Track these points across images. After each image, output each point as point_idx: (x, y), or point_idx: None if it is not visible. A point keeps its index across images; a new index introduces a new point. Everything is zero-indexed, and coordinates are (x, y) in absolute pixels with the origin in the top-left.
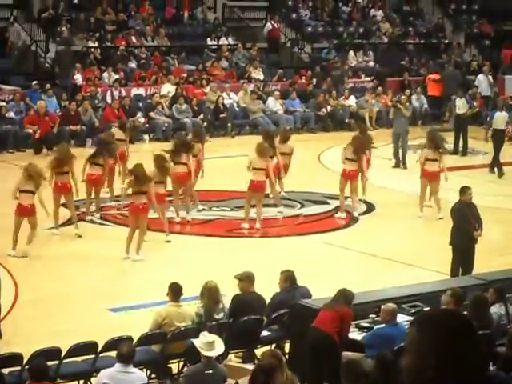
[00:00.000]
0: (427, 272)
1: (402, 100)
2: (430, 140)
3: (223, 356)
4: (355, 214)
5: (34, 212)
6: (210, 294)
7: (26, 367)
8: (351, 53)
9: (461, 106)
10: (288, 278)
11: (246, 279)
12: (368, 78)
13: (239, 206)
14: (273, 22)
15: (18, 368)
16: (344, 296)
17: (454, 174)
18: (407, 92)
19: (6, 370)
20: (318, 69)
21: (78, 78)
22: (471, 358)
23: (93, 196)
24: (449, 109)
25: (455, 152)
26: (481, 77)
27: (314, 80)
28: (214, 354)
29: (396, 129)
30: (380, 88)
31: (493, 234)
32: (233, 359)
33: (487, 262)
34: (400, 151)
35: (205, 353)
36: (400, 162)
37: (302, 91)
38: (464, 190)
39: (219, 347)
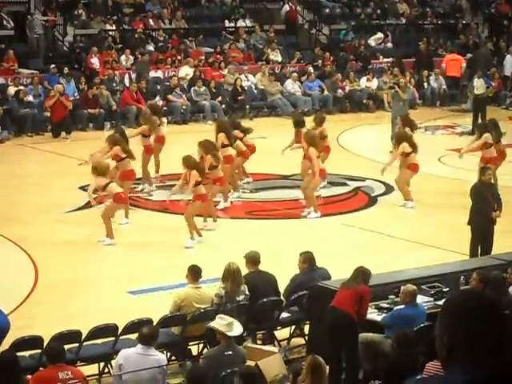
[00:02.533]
0: (446, 253)
1: (401, 82)
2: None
3: (243, 338)
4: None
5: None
6: (233, 277)
7: (44, 350)
8: (379, 34)
9: (479, 86)
10: (307, 259)
11: (248, 262)
12: (386, 60)
13: (259, 188)
14: (290, 4)
15: (39, 351)
16: (362, 274)
17: (472, 154)
18: (425, 73)
19: (26, 353)
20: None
21: (95, 61)
22: (487, 339)
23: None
24: (468, 89)
25: (473, 133)
26: (509, 57)
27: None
28: (233, 333)
29: (395, 112)
30: (397, 69)
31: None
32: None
33: (506, 242)
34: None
35: (227, 333)
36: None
37: (320, 73)
38: (484, 171)
39: (237, 328)
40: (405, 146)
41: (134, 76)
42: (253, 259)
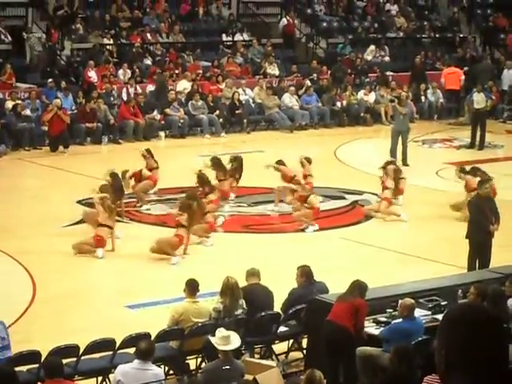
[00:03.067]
0: (444, 266)
1: (402, 96)
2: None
3: (241, 352)
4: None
5: None
6: (232, 291)
7: (43, 364)
8: (372, 47)
9: (479, 100)
10: (304, 273)
11: (247, 276)
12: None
13: (256, 202)
14: (288, 18)
15: (36, 365)
16: (358, 287)
17: (469, 168)
18: (422, 86)
19: (24, 368)
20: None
21: (93, 75)
22: (486, 353)
23: None
24: (466, 103)
25: (471, 146)
26: (506, 71)
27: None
28: (229, 347)
29: (395, 126)
30: (394, 82)
31: (510, 228)
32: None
33: (504, 255)
34: (400, 150)
35: (220, 347)
36: (395, 161)
37: (317, 86)
38: (481, 184)
39: (235, 341)
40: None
41: (131, 90)
42: (253, 273)
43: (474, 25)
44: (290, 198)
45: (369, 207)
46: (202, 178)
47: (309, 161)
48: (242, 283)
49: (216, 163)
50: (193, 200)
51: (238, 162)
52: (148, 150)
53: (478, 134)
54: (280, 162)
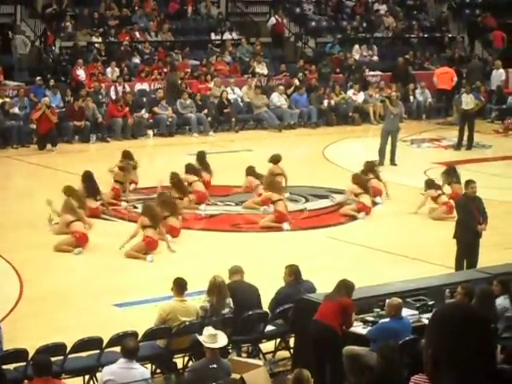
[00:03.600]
0: (432, 266)
1: (392, 96)
2: None
3: (228, 351)
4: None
5: None
6: (219, 290)
7: (31, 362)
8: (356, 46)
9: (468, 101)
10: (293, 272)
11: (231, 274)
12: (372, 73)
13: (243, 201)
14: (277, 17)
15: (23, 363)
16: (345, 286)
17: (458, 167)
18: (411, 86)
19: (11, 366)
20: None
21: (81, 73)
22: (473, 352)
23: None
24: (455, 104)
25: (458, 147)
26: (495, 72)
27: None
28: (217, 345)
29: (385, 125)
30: (383, 82)
31: (497, 228)
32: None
33: (492, 255)
34: (388, 149)
35: (208, 345)
36: (384, 161)
37: (305, 85)
38: (468, 184)
39: (222, 340)
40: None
41: (120, 88)
42: (235, 271)
43: (463, 25)
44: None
45: (348, 207)
46: (174, 180)
47: (276, 160)
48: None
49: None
50: (162, 202)
51: (200, 159)
52: (125, 155)
53: (466, 134)
54: (249, 170)
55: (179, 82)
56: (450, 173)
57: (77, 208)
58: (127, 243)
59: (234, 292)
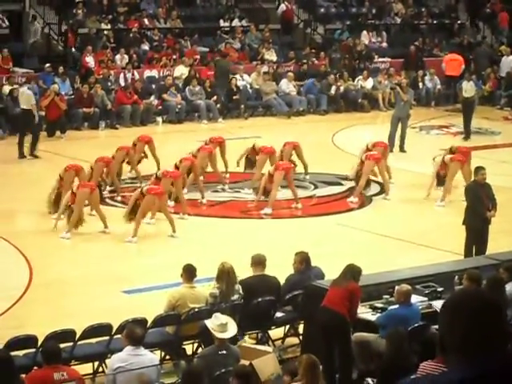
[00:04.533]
0: (441, 252)
1: (403, 83)
2: None
3: (238, 337)
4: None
5: None
6: (228, 277)
7: (40, 349)
8: (364, 32)
9: (468, 89)
10: (303, 259)
11: (253, 263)
12: (381, 59)
13: (255, 187)
14: (286, 3)
15: (33, 350)
16: (351, 271)
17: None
18: (420, 72)
19: (20, 352)
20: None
21: (90, 60)
22: (485, 338)
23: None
24: (458, 90)
25: (467, 136)
26: (505, 58)
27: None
28: (226, 335)
29: (396, 112)
30: (392, 68)
31: (506, 215)
32: (247, 340)
33: (501, 241)
34: (398, 135)
35: (218, 335)
36: (393, 147)
37: (315, 72)
38: (477, 170)
39: (232, 329)
40: None
41: (129, 75)
42: (257, 261)
43: (473, 11)
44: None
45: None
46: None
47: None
48: (239, 269)
49: None
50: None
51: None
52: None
53: (465, 121)
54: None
55: (229, 68)
56: None
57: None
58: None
59: (251, 287)
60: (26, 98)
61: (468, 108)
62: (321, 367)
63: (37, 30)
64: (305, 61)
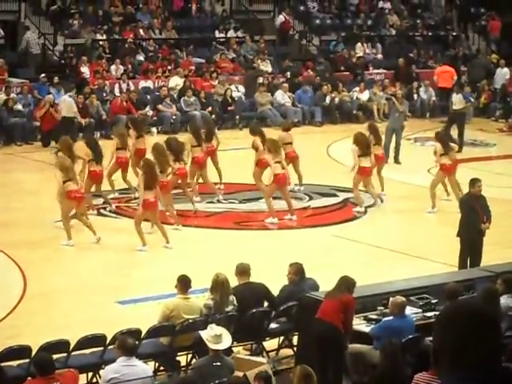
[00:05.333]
0: (435, 264)
1: (398, 94)
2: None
3: (231, 348)
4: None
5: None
6: (222, 288)
7: (33, 361)
8: (358, 44)
9: (457, 101)
10: (298, 270)
11: (238, 273)
12: (376, 71)
13: (247, 199)
14: (285, 14)
15: (27, 360)
16: (346, 283)
17: (461, 166)
18: (415, 84)
19: (14, 363)
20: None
21: (86, 70)
22: (477, 350)
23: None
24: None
25: (460, 148)
26: (499, 70)
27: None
28: (221, 347)
29: (390, 123)
30: (387, 80)
31: (501, 226)
32: (241, 352)
33: (495, 253)
34: (392, 147)
35: (212, 346)
36: (387, 158)
37: (309, 83)
38: (473, 182)
39: (226, 340)
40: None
41: (124, 86)
42: (242, 270)
43: (468, 24)
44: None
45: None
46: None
47: (287, 128)
48: (233, 280)
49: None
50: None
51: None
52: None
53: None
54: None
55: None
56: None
57: (70, 167)
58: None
59: (239, 296)
60: (68, 105)
61: (457, 120)
62: (315, 377)
63: (28, 39)
64: (289, 72)
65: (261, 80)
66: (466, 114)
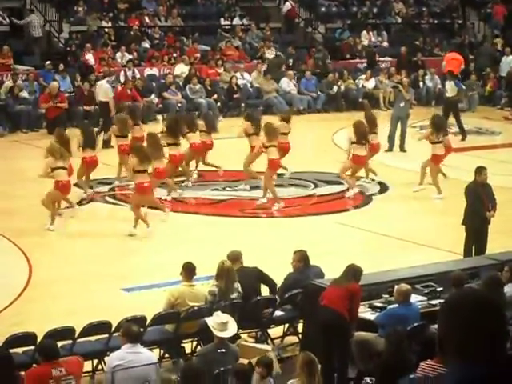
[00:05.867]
0: (441, 252)
1: (404, 82)
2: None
3: (236, 336)
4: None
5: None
6: (227, 275)
7: (38, 347)
8: (364, 32)
9: (450, 89)
10: (302, 257)
11: (231, 261)
12: (382, 59)
13: (253, 186)
14: (291, 2)
15: (32, 347)
16: (353, 271)
17: (466, 154)
18: (421, 72)
19: (19, 350)
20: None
21: (90, 57)
22: (484, 338)
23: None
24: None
25: (463, 136)
26: (505, 58)
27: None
28: (226, 334)
29: (396, 111)
30: (393, 68)
31: (506, 215)
32: (246, 339)
33: (500, 242)
34: (398, 135)
35: (218, 333)
36: (393, 146)
37: (314, 71)
38: (479, 171)
39: (232, 328)
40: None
41: (129, 73)
42: (233, 257)
43: (473, 11)
44: None
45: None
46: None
47: (287, 118)
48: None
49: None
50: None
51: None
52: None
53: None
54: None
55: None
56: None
57: (62, 154)
58: None
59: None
60: (105, 90)
61: (451, 108)
62: (319, 366)
63: (31, 22)
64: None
65: (263, 67)
66: (459, 101)
